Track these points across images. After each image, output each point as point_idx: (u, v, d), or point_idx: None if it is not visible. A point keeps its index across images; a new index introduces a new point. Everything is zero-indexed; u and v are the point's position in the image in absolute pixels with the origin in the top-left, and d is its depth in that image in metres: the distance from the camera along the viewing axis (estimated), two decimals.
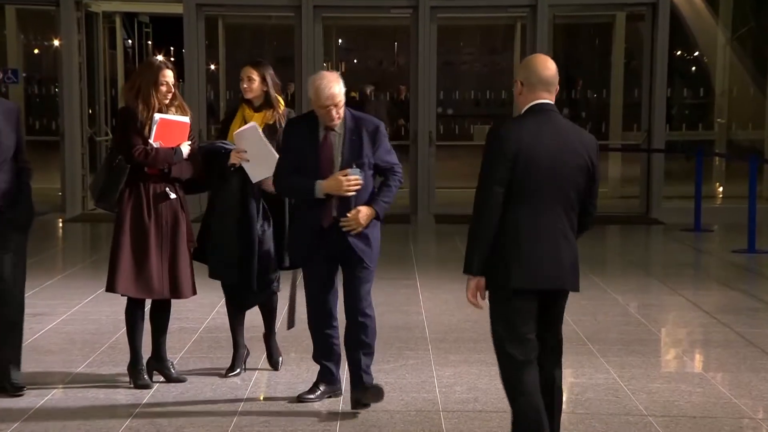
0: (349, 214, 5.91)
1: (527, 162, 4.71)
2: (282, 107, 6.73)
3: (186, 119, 6.53)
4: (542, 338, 4.88)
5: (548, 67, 4.94)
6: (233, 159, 6.46)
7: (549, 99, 4.88)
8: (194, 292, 6.61)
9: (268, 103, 6.68)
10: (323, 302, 6.14)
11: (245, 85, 6.69)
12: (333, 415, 6.09)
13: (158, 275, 6.41)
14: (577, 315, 8.11)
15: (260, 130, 6.49)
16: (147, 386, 6.50)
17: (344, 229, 5.93)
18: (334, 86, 5.86)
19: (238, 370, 6.85)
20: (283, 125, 6.48)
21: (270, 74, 6.69)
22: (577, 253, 4.86)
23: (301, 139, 6.03)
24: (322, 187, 5.88)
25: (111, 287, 6.42)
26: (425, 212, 15.43)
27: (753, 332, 8.10)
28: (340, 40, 20.16)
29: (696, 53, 18.54)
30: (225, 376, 6.78)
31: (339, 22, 18.32)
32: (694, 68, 18.99)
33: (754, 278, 10.83)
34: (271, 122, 6.62)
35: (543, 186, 4.75)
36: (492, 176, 4.72)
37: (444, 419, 6.01)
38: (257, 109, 6.70)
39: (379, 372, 6.98)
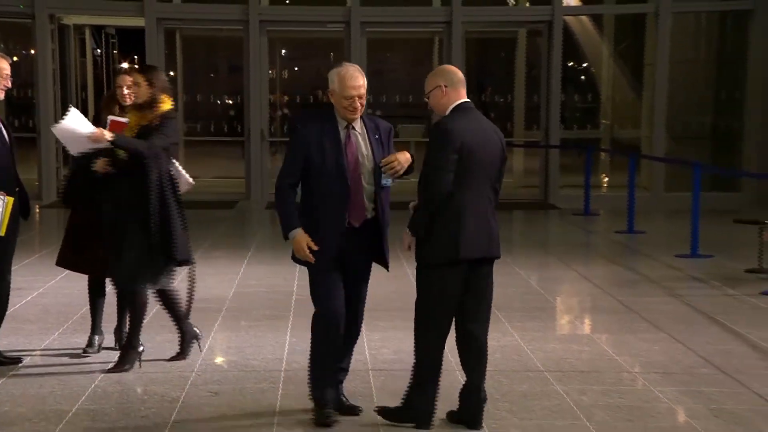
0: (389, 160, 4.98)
1: (469, 152, 4.81)
2: (162, 109, 6.04)
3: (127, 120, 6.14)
4: (467, 302, 4.92)
5: (459, 71, 5.15)
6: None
7: (466, 98, 4.98)
8: None
9: (146, 105, 6.03)
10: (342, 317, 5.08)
11: (126, 92, 6.18)
12: (276, 372, 6.05)
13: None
14: None
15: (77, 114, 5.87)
16: (92, 352, 6.40)
17: (389, 171, 4.96)
18: (360, 75, 4.97)
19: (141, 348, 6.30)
20: (165, 124, 5.84)
21: (155, 78, 6.07)
22: (498, 227, 5.00)
23: (321, 136, 4.98)
24: (295, 236, 4.96)
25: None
26: None
27: (632, 300, 8.19)
28: (283, 51, 20.04)
29: (585, 64, 18.72)
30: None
31: (282, 35, 18.22)
32: (583, 77, 19.17)
33: (633, 255, 10.97)
34: (144, 123, 5.97)
35: (478, 172, 4.85)
36: (445, 165, 4.79)
37: (373, 377, 5.99)
38: (137, 109, 6.07)
39: None
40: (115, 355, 6.26)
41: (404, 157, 4.98)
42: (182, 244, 5.97)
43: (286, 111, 18.76)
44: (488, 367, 5.39)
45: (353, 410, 5.20)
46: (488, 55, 19.55)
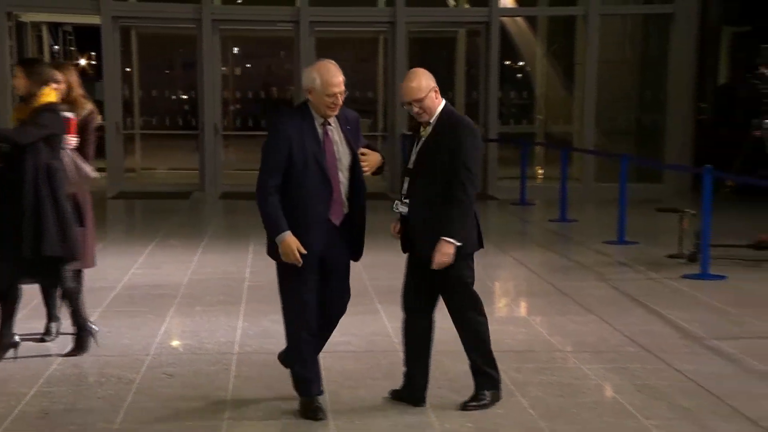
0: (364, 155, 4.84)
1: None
2: (42, 101, 5.65)
3: (70, 115, 6.04)
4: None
5: None
6: None
7: None
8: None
9: (26, 98, 5.74)
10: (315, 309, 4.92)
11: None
12: (229, 355, 6.02)
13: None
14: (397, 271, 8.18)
15: None
16: (50, 340, 6.27)
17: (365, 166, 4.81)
18: (339, 72, 4.72)
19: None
20: (40, 115, 5.41)
21: (33, 71, 5.75)
22: None
23: (300, 133, 4.72)
24: (284, 238, 4.70)
25: None
26: None
27: (565, 285, 8.25)
28: (235, 49, 19.90)
29: (521, 63, 18.83)
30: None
31: (234, 33, 18.08)
32: (519, 75, 19.27)
33: (565, 242, 11.06)
34: (21, 116, 5.71)
35: None
36: (478, 166, 4.85)
37: (322, 358, 5.95)
38: (21, 102, 5.85)
39: (272, 322, 6.94)
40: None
41: (377, 159, 4.85)
42: (52, 239, 5.61)
43: (238, 106, 18.66)
44: (434, 348, 5.41)
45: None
46: (430, 53, 19.57)
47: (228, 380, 5.53)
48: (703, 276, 8.48)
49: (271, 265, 9.21)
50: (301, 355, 4.90)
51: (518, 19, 17.96)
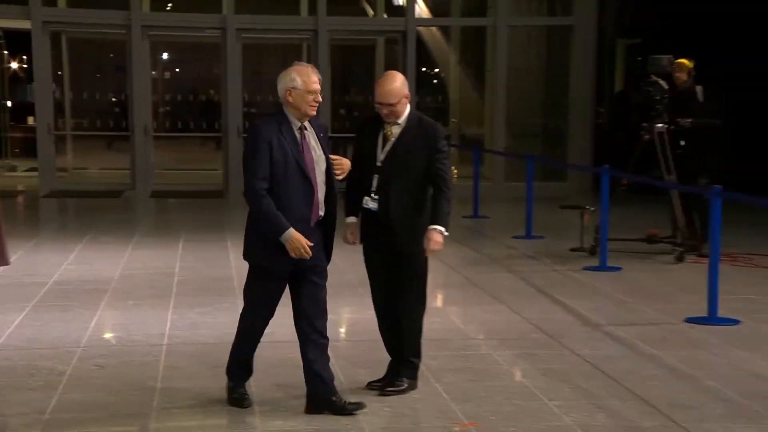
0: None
1: None
2: None
3: None
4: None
5: None
6: None
7: None
8: None
9: None
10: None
11: None
12: (158, 346, 5.94)
13: None
14: (351, 265, 8.18)
15: None
16: None
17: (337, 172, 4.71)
18: (316, 72, 4.64)
19: None
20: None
21: None
22: None
23: (280, 136, 4.54)
24: (291, 236, 4.47)
25: None
26: (236, 189, 15.19)
27: (477, 277, 8.32)
28: (164, 54, 19.60)
29: (436, 69, 18.96)
30: None
31: (163, 39, 17.82)
32: (435, 81, 19.40)
33: (478, 237, 11.17)
34: None
35: None
36: None
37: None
38: None
39: (199, 314, 6.88)
40: (18, 329, 6.04)
41: (348, 165, 4.77)
42: None
43: (168, 108, 18.41)
44: (353, 338, 5.46)
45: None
46: (351, 60, 19.56)
47: (157, 370, 5.45)
48: (602, 268, 8.62)
49: (200, 260, 9.18)
50: (253, 340, 4.85)
51: (433, 28, 18.11)
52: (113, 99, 17.94)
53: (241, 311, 4.89)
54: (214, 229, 11.43)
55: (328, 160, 4.69)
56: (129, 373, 5.39)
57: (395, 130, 4.87)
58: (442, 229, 4.81)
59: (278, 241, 4.49)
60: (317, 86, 4.59)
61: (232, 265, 8.87)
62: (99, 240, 10.29)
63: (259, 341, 4.90)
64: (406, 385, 4.99)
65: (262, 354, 5.74)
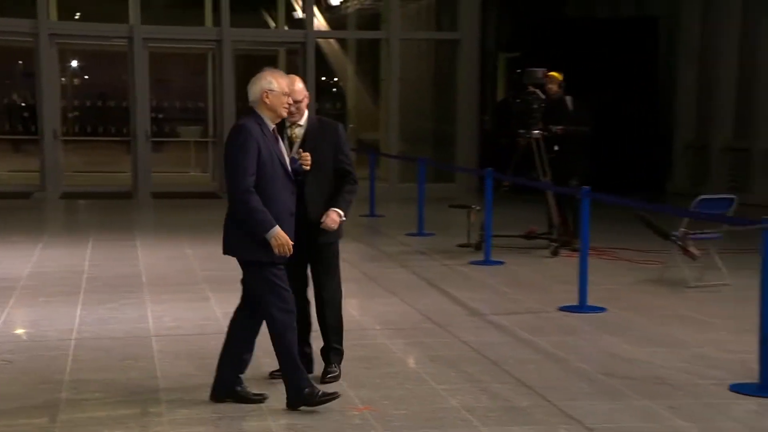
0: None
1: None
2: None
3: None
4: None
5: None
6: None
7: None
8: None
9: None
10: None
11: None
12: (67, 341, 5.77)
13: None
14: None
15: None
16: None
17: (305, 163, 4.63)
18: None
19: None
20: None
21: None
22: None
23: (263, 136, 4.43)
24: (276, 232, 4.38)
25: None
26: (144, 191, 14.98)
27: (373, 271, 8.33)
28: (73, 61, 19.02)
29: (335, 78, 18.97)
30: None
31: (71, 47, 17.32)
32: (334, 89, 19.42)
33: (374, 234, 11.21)
34: None
35: None
36: None
37: (155, 342, 5.84)
38: None
39: (108, 310, 6.72)
40: None
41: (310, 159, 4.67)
42: None
43: (76, 113, 17.90)
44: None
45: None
46: (255, 69, 19.18)
47: (66, 364, 5.29)
48: (486, 262, 8.75)
49: (109, 258, 8.96)
50: (294, 330, 4.56)
51: (331, 40, 18.12)
52: (22, 104, 17.34)
53: (270, 311, 4.47)
54: (123, 228, 11.17)
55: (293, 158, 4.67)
56: (38, 367, 5.23)
57: (298, 132, 4.84)
58: (340, 211, 4.87)
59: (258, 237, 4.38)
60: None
61: (141, 263, 8.70)
62: (8, 239, 9.94)
63: (305, 324, 4.85)
64: (338, 371, 5.02)
65: (167, 347, 5.67)
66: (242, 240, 4.46)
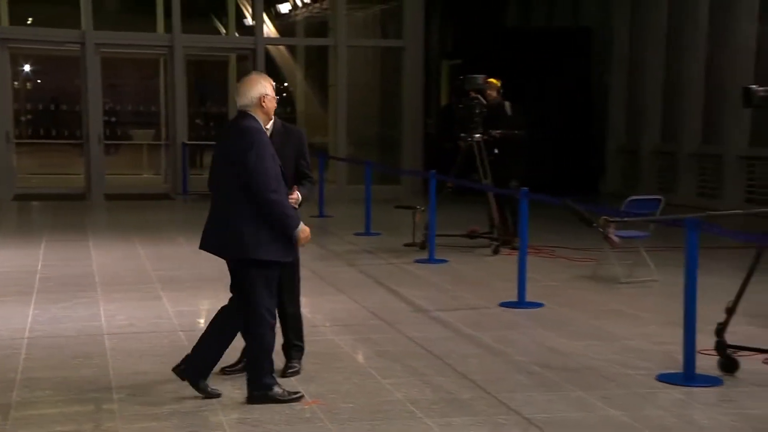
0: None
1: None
2: None
3: None
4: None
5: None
6: None
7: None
8: None
9: None
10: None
11: None
12: (20, 340, 5.64)
13: None
14: (208, 260, 8.03)
15: None
16: None
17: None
18: None
19: None
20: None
21: None
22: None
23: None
24: (302, 227, 4.42)
25: None
26: (97, 192, 14.73)
27: (323, 270, 8.26)
28: (26, 66, 18.61)
29: (285, 83, 18.88)
30: None
31: (24, 51, 16.96)
32: (284, 94, 19.30)
33: (323, 234, 11.13)
34: None
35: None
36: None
37: (107, 339, 5.75)
38: None
39: (61, 309, 6.59)
40: None
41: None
42: None
43: (29, 117, 17.52)
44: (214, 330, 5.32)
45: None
46: (206, 74, 19.22)
47: (18, 363, 5.17)
48: (431, 260, 8.78)
49: (62, 258, 8.79)
50: (274, 329, 4.55)
51: (281, 47, 18.04)
52: None
53: (261, 309, 4.42)
54: (76, 229, 10.96)
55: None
56: None
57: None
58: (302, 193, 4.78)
59: (287, 235, 4.37)
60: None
61: (94, 263, 8.55)
62: None
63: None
64: (299, 366, 5.00)
65: (120, 345, 5.58)
66: (261, 240, 4.35)
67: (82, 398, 4.60)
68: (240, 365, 4.96)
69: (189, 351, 4.70)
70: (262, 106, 4.45)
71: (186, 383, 4.59)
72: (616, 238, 4.91)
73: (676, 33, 13.99)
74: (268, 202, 4.31)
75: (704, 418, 4.39)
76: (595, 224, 4.88)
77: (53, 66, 19.09)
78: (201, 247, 4.61)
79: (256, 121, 4.44)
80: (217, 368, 4.96)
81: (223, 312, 4.68)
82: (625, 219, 5.08)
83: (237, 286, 4.58)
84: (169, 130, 15.64)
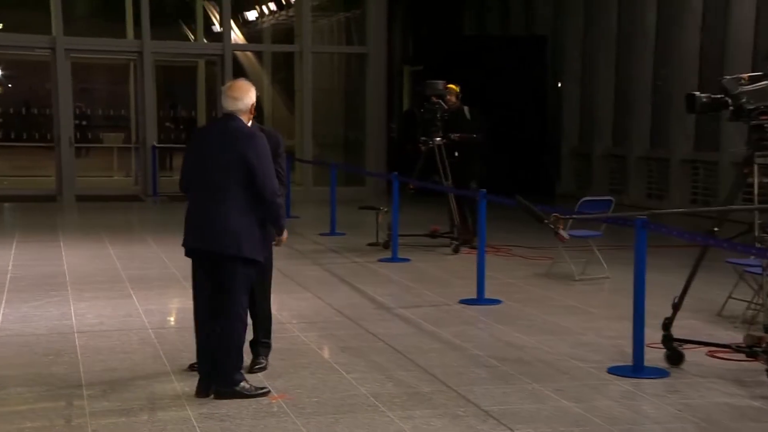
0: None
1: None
2: None
3: None
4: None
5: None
6: None
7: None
8: None
9: None
10: None
11: None
12: None
13: None
14: (175, 260, 7.97)
15: None
16: None
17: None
18: None
19: None
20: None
21: None
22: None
23: None
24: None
25: None
26: (68, 194, 14.52)
27: (289, 269, 8.17)
28: None
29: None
30: None
31: None
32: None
33: (290, 235, 10.95)
34: None
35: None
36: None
37: (78, 338, 5.67)
38: None
39: (32, 307, 6.49)
40: None
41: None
42: None
43: (0, 120, 17.23)
44: (179, 325, 5.28)
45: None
46: (175, 79, 19.05)
47: None
48: (394, 259, 8.78)
49: (34, 258, 8.65)
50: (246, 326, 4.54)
51: (248, 53, 17.94)
52: None
53: (237, 307, 4.39)
54: (47, 230, 10.79)
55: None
56: None
57: None
58: None
59: (279, 235, 4.51)
60: None
61: (65, 262, 8.42)
62: None
63: None
64: (266, 362, 4.96)
65: (90, 342, 5.50)
66: (254, 239, 4.36)
67: (53, 395, 4.53)
68: None
69: (171, 348, 4.64)
70: (251, 113, 4.47)
71: (159, 375, 4.52)
72: (565, 234, 4.96)
73: (626, 42, 14.18)
74: (274, 204, 4.36)
75: (651, 408, 4.46)
76: (546, 221, 4.93)
77: (25, 70, 18.79)
78: (187, 244, 4.45)
79: (246, 125, 4.42)
80: (185, 364, 4.93)
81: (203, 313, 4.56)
82: (574, 216, 5.14)
83: (216, 283, 4.43)
84: (139, 134, 15.48)
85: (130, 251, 9.06)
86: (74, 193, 14.57)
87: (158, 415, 4.25)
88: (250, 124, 4.57)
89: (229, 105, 4.41)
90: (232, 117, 4.42)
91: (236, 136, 4.35)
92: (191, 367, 4.90)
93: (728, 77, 4.98)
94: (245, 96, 4.42)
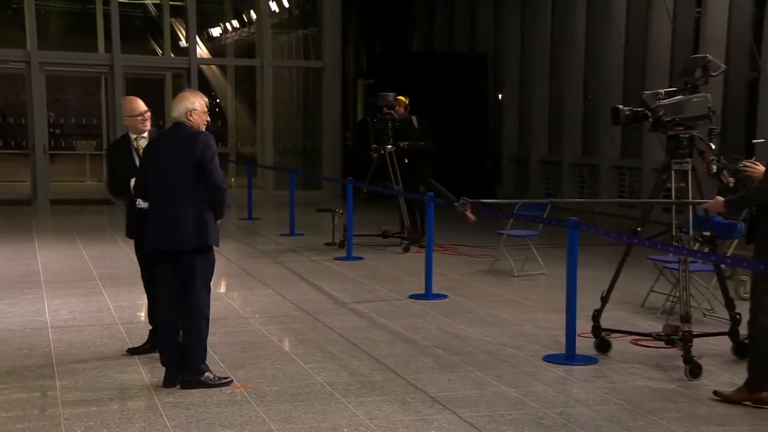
0: None
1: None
2: None
3: None
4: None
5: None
6: None
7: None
8: None
9: None
10: None
11: None
12: None
13: None
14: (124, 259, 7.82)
15: None
16: None
17: None
18: None
19: None
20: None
21: None
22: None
23: None
24: None
25: None
26: (43, 198, 14.19)
27: (251, 267, 8.14)
28: None
29: (217, 99, 18.53)
30: None
31: None
32: (216, 109, 18.94)
33: (252, 235, 11.02)
34: None
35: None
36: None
37: (51, 333, 5.54)
38: None
39: (7, 305, 6.32)
40: None
41: None
42: None
43: None
44: (147, 320, 5.16)
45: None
46: (144, 91, 18.72)
47: None
48: (348, 258, 8.75)
49: (9, 258, 8.42)
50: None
51: (213, 66, 17.76)
52: None
53: (199, 302, 4.36)
54: (22, 232, 10.52)
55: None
56: None
57: (142, 143, 4.86)
58: None
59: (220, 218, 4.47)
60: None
61: (39, 262, 8.22)
62: None
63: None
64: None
65: (63, 337, 5.38)
66: (213, 227, 4.39)
67: (27, 386, 4.43)
68: (146, 347, 4.92)
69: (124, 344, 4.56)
70: (189, 119, 4.47)
71: (126, 367, 4.45)
72: (472, 216, 5.01)
73: (558, 58, 14.38)
74: (222, 189, 4.38)
75: (581, 391, 4.52)
76: (456, 203, 4.99)
77: (1, 82, 18.29)
78: (150, 247, 4.41)
79: (190, 127, 4.45)
80: (153, 357, 4.85)
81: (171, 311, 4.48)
82: (482, 201, 5.11)
83: (179, 279, 4.39)
84: (110, 141, 15.20)
85: (102, 251, 8.88)
86: (48, 198, 14.27)
87: (127, 405, 4.18)
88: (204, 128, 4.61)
89: (172, 114, 4.52)
90: (177, 123, 4.52)
91: (183, 137, 4.41)
92: (130, 351, 4.86)
93: (647, 92, 5.06)
94: (178, 105, 4.48)
